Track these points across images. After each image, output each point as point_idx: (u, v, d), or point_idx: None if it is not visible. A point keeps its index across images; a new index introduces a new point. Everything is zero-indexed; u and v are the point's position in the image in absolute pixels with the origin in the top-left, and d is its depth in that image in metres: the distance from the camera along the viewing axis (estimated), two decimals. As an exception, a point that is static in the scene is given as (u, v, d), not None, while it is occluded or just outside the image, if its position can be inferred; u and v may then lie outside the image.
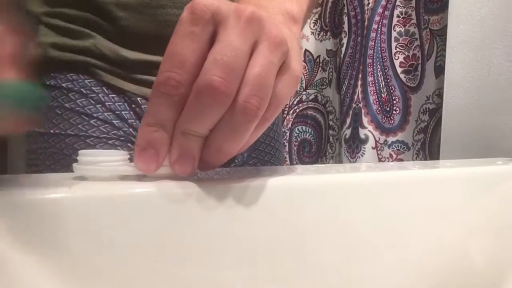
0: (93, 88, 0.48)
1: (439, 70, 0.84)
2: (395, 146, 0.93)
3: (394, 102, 0.92)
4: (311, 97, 1.11)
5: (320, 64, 1.10)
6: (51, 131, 0.48)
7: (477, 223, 0.35)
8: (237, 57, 0.23)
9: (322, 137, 1.11)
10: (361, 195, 0.30)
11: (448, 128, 0.69)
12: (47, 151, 0.47)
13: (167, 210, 0.24)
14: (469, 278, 0.34)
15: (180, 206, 0.24)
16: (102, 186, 0.23)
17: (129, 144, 0.49)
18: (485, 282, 0.35)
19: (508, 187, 0.36)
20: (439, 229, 0.33)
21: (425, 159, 0.87)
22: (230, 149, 0.25)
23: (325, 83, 1.10)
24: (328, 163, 1.09)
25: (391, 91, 0.93)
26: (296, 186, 0.28)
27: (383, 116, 0.94)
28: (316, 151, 1.12)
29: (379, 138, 0.94)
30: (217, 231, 0.25)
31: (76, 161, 0.25)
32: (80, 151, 0.25)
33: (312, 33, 1.10)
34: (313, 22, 1.10)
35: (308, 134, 1.12)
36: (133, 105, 0.49)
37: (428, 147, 0.87)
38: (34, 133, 0.49)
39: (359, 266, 0.30)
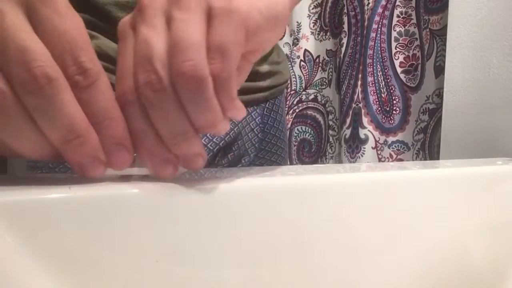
0: None
1: (439, 70, 0.84)
2: (395, 146, 0.93)
3: (394, 102, 0.93)
4: (311, 97, 1.11)
5: (320, 64, 1.10)
6: None
7: (477, 223, 0.35)
8: (151, 45, 0.23)
9: (322, 137, 1.11)
10: (361, 195, 0.30)
11: (448, 128, 0.69)
12: None
13: (167, 210, 0.24)
14: (469, 278, 0.34)
15: (180, 206, 0.24)
16: (102, 186, 0.23)
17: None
18: (485, 282, 0.35)
19: (508, 187, 0.36)
20: (439, 229, 0.33)
21: (425, 159, 0.87)
22: (209, 122, 0.24)
23: (325, 83, 1.10)
24: (328, 163, 1.09)
25: (391, 91, 0.93)
26: (296, 186, 0.28)
27: (383, 116, 0.94)
28: (316, 151, 1.12)
29: (379, 138, 0.94)
30: (217, 231, 0.25)
31: None
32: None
33: (312, 33, 1.10)
34: (313, 22, 1.10)
35: (308, 134, 1.12)
36: None
37: (428, 147, 0.87)
38: None
39: (359, 266, 0.30)
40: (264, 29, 0.26)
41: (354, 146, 0.98)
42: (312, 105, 1.12)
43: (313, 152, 1.12)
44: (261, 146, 0.54)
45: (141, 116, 0.24)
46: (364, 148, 0.95)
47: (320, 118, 1.11)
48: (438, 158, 0.78)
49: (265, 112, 0.54)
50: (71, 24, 0.22)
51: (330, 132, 1.09)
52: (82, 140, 0.22)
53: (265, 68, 0.52)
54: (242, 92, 0.48)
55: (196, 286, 0.25)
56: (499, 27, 0.62)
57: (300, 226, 0.28)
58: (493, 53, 0.62)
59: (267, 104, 0.54)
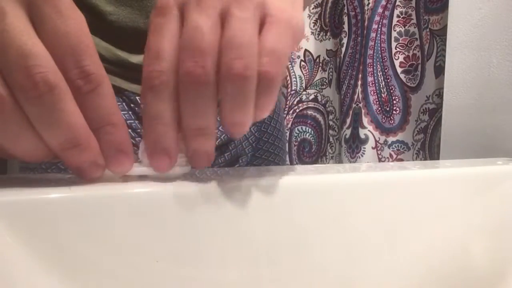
0: None
1: (439, 70, 0.84)
2: (395, 146, 0.93)
3: (394, 102, 0.93)
4: (311, 97, 1.11)
5: (320, 64, 1.10)
6: None
7: (477, 223, 0.35)
8: (204, 35, 0.22)
9: (322, 137, 1.11)
10: (361, 195, 0.30)
11: (448, 128, 0.69)
12: None
13: (167, 210, 0.24)
14: (469, 278, 0.34)
15: (180, 206, 0.24)
16: (102, 186, 0.23)
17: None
18: (485, 282, 0.35)
19: (508, 187, 0.36)
20: (439, 229, 0.33)
21: (425, 159, 0.87)
22: (242, 121, 0.24)
23: (325, 83, 1.10)
24: (328, 163, 1.09)
25: (391, 91, 0.93)
26: (296, 186, 0.28)
27: (383, 116, 0.94)
28: (316, 151, 1.12)
29: (379, 138, 0.94)
30: (217, 231, 0.25)
31: None
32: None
33: (312, 33, 1.10)
34: (313, 22, 1.10)
35: (308, 134, 1.12)
36: (132, 105, 0.48)
37: (428, 147, 0.87)
38: None
39: (359, 266, 0.30)
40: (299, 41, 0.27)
41: (354, 146, 0.98)
42: (312, 105, 1.12)
43: (313, 152, 1.12)
44: (258, 145, 0.54)
45: (168, 100, 0.23)
46: (364, 148, 0.95)
47: (320, 118, 1.11)
48: (438, 158, 0.78)
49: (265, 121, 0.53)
50: (74, 24, 0.21)
51: (330, 132, 1.09)
52: (82, 148, 0.22)
53: None
54: None
55: (196, 286, 0.25)
56: (499, 27, 0.62)
57: (300, 226, 0.28)
58: (493, 53, 0.62)
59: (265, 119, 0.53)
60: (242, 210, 0.26)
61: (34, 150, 0.22)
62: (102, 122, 0.23)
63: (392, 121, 0.93)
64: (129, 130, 0.48)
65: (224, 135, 0.49)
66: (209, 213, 0.25)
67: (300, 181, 0.28)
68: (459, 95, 0.67)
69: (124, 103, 0.49)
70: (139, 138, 0.49)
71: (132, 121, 0.49)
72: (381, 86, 0.94)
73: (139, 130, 0.49)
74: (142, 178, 0.26)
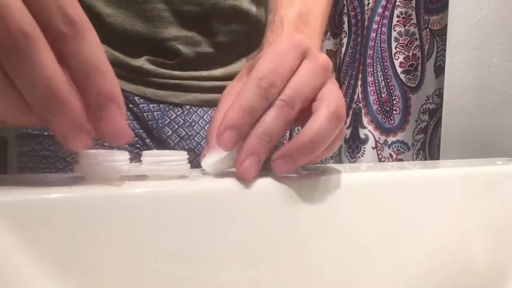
0: None
1: (439, 70, 0.84)
2: (395, 146, 0.93)
3: (394, 102, 0.92)
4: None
5: (320, 64, 1.11)
6: (45, 133, 0.47)
7: (477, 223, 0.35)
8: (308, 87, 0.28)
9: (322, 137, 1.11)
10: (361, 195, 0.30)
11: (448, 128, 0.69)
12: (40, 153, 0.47)
13: (167, 210, 0.24)
14: (469, 278, 0.34)
15: (180, 206, 0.24)
16: (102, 186, 0.23)
17: (126, 146, 0.47)
18: (485, 282, 0.35)
19: (508, 187, 0.36)
20: (439, 229, 0.33)
21: (425, 159, 0.87)
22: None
23: (325, 83, 1.10)
24: (328, 163, 1.09)
25: (391, 91, 0.93)
26: (296, 186, 0.28)
27: (383, 116, 0.94)
28: (316, 151, 1.12)
29: (379, 138, 0.94)
30: (217, 231, 0.25)
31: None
32: (81, 152, 0.25)
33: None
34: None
35: (308, 134, 1.12)
36: (130, 105, 0.48)
37: (428, 147, 0.87)
38: (25, 135, 0.48)
39: (359, 266, 0.30)
40: None
41: (354, 146, 0.98)
42: (312, 105, 1.12)
43: (313, 152, 1.12)
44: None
45: (263, 105, 0.27)
46: (364, 148, 0.95)
47: (320, 118, 1.11)
48: (438, 158, 0.78)
49: None
50: None
51: (330, 132, 1.09)
52: (62, 104, 0.21)
53: None
54: None
55: (196, 286, 0.25)
56: (499, 27, 0.62)
57: (301, 226, 0.28)
58: (493, 53, 0.62)
59: None
60: (242, 210, 0.26)
61: (17, 111, 0.21)
62: (89, 71, 0.21)
63: (392, 121, 0.93)
64: None
65: None
66: (208, 213, 0.25)
67: (300, 181, 0.28)
68: (459, 95, 0.67)
69: None
70: (137, 138, 0.49)
71: (129, 122, 0.48)
72: (381, 86, 0.94)
73: (136, 130, 0.48)
74: (142, 178, 0.26)
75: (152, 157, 0.26)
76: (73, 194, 0.22)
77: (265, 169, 0.28)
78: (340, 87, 1.03)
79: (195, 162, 0.50)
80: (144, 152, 0.27)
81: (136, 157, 0.43)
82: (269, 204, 0.27)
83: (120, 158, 0.26)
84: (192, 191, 0.25)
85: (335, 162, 1.06)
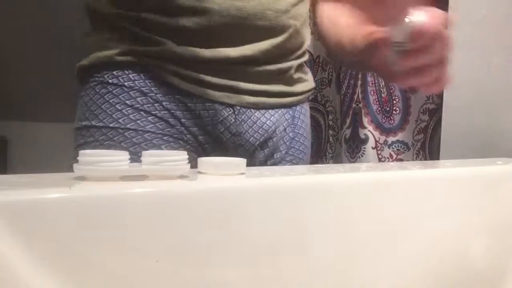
0: (152, 88, 0.52)
1: (439, 70, 0.84)
2: (395, 146, 0.93)
3: (394, 102, 0.92)
4: (311, 97, 1.11)
5: (320, 64, 1.10)
6: (110, 125, 0.51)
7: (477, 222, 0.35)
8: None
9: (322, 137, 1.11)
10: (361, 195, 0.30)
11: (448, 128, 0.69)
12: (104, 143, 0.51)
13: (167, 210, 0.24)
14: (469, 277, 0.34)
15: (180, 206, 0.24)
16: (102, 186, 0.23)
17: (180, 142, 0.53)
18: (485, 281, 0.35)
19: (508, 187, 0.36)
20: (439, 229, 0.33)
21: (425, 159, 0.87)
22: None
23: (325, 83, 1.10)
24: (328, 163, 1.09)
25: (391, 91, 0.93)
26: (296, 186, 0.28)
27: (383, 116, 0.94)
28: (316, 151, 1.12)
29: (379, 138, 0.94)
30: (217, 231, 0.25)
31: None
32: (81, 151, 0.25)
33: (312, 33, 1.10)
34: (313, 22, 1.10)
35: (308, 134, 1.12)
36: (189, 104, 0.52)
37: (428, 147, 0.87)
38: (87, 126, 0.52)
39: (359, 265, 0.30)
40: None
41: (354, 146, 0.98)
42: (312, 105, 1.12)
43: (313, 152, 1.12)
44: (291, 144, 0.61)
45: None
46: (364, 148, 0.95)
47: (320, 118, 1.11)
48: (438, 158, 0.78)
49: (295, 115, 0.61)
50: None
51: (330, 132, 1.09)
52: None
53: (297, 75, 0.59)
54: (278, 95, 0.57)
55: (196, 286, 0.25)
56: (499, 27, 0.62)
57: (301, 226, 0.28)
58: (493, 53, 0.62)
59: (297, 108, 0.62)
60: (242, 210, 0.26)
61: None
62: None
63: (392, 121, 0.93)
64: (183, 128, 0.53)
65: (266, 132, 0.56)
66: (209, 213, 0.25)
67: (301, 181, 0.28)
68: (459, 95, 0.67)
69: (180, 104, 0.52)
70: (189, 135, 0.53)
71: (185, 120, 0.53)
72: (381, 86, 0.94)
73: (191, 128, 0.53)
74: (142, 178, 0.26)
75: (152, 157, 0.26)
76: (73, 194, 0.22)
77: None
78: (340, 87, 1.03)
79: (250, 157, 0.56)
80: (144, 152, 0.27)
81: (192, 156, 0.50)
82: (269, 204, 0.27)
83: (120, 158, 0.26)
84: (192, 191, 0.25)
85: (335, 162, 1.06)
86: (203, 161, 0.28)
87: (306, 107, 0.65)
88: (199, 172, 0.28)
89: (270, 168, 0.33)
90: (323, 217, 0.28)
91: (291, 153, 0.61)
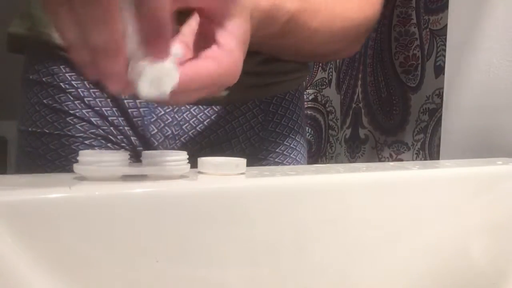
0: (73, 82, 0.44)
1: (439, 70, 0.84)
2: (395, 146, 0.93)
3: (394, 102, 0.92)
4: (311, 97, 1.11)
5: (320, 64, 1.10)
6: (29, 129, 0.46)
7: (477, 223, 0.35)
8: None
9: (322, 137, 1.11)
10: (361, 195, 0.30)
11: (448, 128, 0.69)
12: (25, 149, 0.46)
13: (167, 210, 0.24)
14: (469, 278, 0.34)
15: (180, 206, 0.24)
16: (102, 186, 0.23)
17: (109, 145, 0.45)
18: (485, 281, 0.35)
19: (508, 187, 0.36)
20: (439, 229, 0.33)
21: (425, 159, 0.87)
22: None
23: (325, 83, 1.10)
24: (328, 163, 1.09)
25: (391, 91, 0.93)
26: (296, 186, 0.28)
27: (383, 116, 0.94)
28: (316, 151, 1.12)
29: (379, 138, 0.94)
30: (217, 231, 0.25)
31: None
32: (81, 151, 0.25)
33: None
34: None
35: (308, 134, 1.12)
36: (118, 101, 0.46)
37: (428, 147, 0.87)
38: (19, 130, 0.47)
39: (359, 266, 0.30)
40: None
41: (354, 146, 0.98)
42: (312, 105, 1.12)
43: (313, 152, 1.12)
44: (263, 146, 0.51)
45: None
46: (364, 148, 0.95)
47: (320, 118, 1.11)
48: (438, 158, 0.78)
49: (270, 109, 0.51)
50: None
51: (330, 132, 1.09)
52: (114, 54, 0.24)
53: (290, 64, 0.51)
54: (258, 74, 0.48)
55: (196, 286, 0.25)
56: (499, 27, 0.62)
57: (301, 226, 0.28)
58: (493, 53, 0.62)
59: (273, 100, 0.51)
60: (242, 210, 0.26)
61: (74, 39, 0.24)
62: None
63: (392, 121, 0.93)
64: (111, 128, 0.46)
65: (220, 129, 0.48)
66: (209, 213, 0.25)
67: (300, 181, 0.28)
68: (459, 95, 0.67)
69: (108, 99, 0.46)
70: (121, 136, 0.46)
71: (114, 118, 0.46)
72: (381, 86, 0.94)
73: (121, 127, 0.46)
74: (142, 178, 0.26)
75: (152, 157, 0.26)
76: (73, 194, 0.22)
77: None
78: (340, 87, 1.03)
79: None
80: (144, 152, 0.27)
81: (127, 156, 0.42)
82: (269, 204, 0.27)
83: (120, 158, 0.26)
84: (192, 191, 0.25)
85: (335, 162, 1.06)
86: (203, 161, 0.28)
87: (290, 98, 0.56)
88: (199, 172, 0.28)
89: (270, 168, 0.33)
90: (323, 217, 0.28)
91: (263, 156, 0.53)
